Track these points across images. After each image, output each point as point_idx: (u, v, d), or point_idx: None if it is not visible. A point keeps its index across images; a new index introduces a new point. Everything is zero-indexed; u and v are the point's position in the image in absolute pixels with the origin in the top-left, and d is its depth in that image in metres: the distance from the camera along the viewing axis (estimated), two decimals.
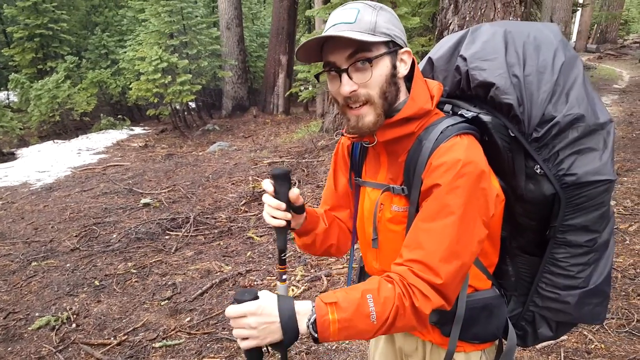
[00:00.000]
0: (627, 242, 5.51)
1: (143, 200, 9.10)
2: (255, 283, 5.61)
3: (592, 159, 1.60)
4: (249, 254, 6.45)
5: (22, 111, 18.64)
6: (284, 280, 1.70)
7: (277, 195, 1.70)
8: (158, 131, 18.50)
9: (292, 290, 5.28)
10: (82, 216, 8.69)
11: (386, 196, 1.75)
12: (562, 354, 3.89)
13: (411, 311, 1.46)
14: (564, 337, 4.04)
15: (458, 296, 1.64)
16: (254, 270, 5.94)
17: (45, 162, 13.87)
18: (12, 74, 18.46)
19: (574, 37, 33.86)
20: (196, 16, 18.25)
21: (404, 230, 1.68)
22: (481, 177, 1.52)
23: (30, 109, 17.19)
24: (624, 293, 4.59)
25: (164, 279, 5.97)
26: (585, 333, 4.10)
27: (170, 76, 16.08)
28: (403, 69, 1.67)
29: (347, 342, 4.39)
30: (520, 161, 1.65)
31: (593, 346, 3.94)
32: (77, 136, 17.57)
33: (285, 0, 19.83)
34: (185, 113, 18.91)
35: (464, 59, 1.76)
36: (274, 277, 5.66)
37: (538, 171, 1.63)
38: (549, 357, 3.92)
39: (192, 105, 19.91)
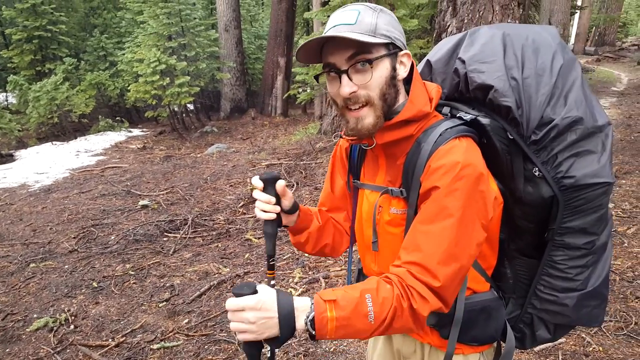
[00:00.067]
0: (625, 244, 5.52)
1: (141, 202, 9.09)
2: None
3: (591, 161, 1.61)
4: (247, 255, 6.45)
5: (20, 113, 18.63)
6: (273, 286, 1.70)
7: (266, 190, 1.74)
8: (156, 133, 18.49)
9: (290, 292, 5.28)
10: (81, 218, 8.68)
11: (385, 199, 1.75)
12: (560, 357, 3.89)
13: (409, 313, 1.46)
14: (562, 340, 4.04)
15: (456, 298, 1.65)
16: (252, 272, 5.94)
17: (43, 164, 13.86)
18: (11, 75, 18.43)
19: (572, 40, 33.94)
20: (194, 18, 18.25)
21: (403, 232, 1.68)
22: (480, 180, 1.52)
23: (29, 110, 17.17)
24: (622, 296, 4.59)
25: (162, 280, 5.96)
26: (584, 336, 4.10)
27: (168, 78, 16.07)
28: (402, 72, 1.67)
29: (345, 344, 4.39)
30: (519, 164, 1.65)
31: (591, 349, 3.94)
32: (76, 138, 17.55)
33: (284, 3, 19.84)
34: (184, 115, 18.90)
35: (463, 62, 1.76)
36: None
37: (536, 174, 1.63)
38: (547, 359, 3.92)
39: (191, 107, 19.90)
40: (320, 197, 2.18)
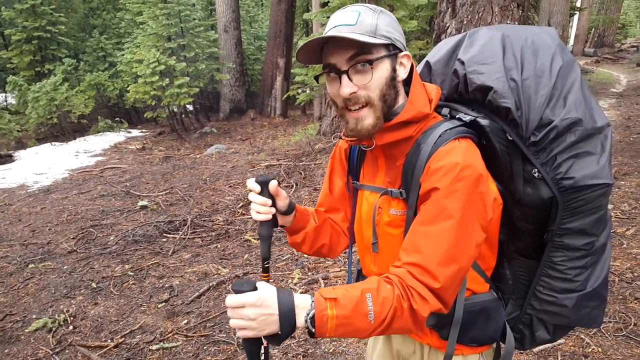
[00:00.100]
0: (625, 246, 5.52)
1: (140, 203, 9.09)
2: None
3: (590, 162, 1.61)
4: (246, 256, 6.45)
5: (19, 113, 18.65)
6: None
7: (262, 193, 1.74)
8: (155, 134, 18.49)
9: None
10: (80, 218, 8.68)
11: (384, 200, 1.75)
12: (559, 358, 3.89)
13: (409, 313, 1.46)
14: (561, 341, 4.04)
15: (456, 299, 1.64)
16: (251, 273, 5.94)
17: (42, 164, 13.85)
18: (10, 76, 18.48)
19: (571, 41, 33.94)
20: (194, 19, 18.27)
21: (402, 233, 1.68)
22: (479, 181, 1.52)
23: (28, 111, 17.17)
24: (621, 297, 4.59)
25: (161, 281, 5.96)
26: (583, 337, 4.10)
27: (167, 79, 16.08)
28: (402, 73, 1.67)
29: (344, 345, 4.39)
30: (518, 165, 1.65)
31: (590, 350, 3.94)
32: (75, 138, 17.56)
33: (283, 4, 19.85)
34: (183, 116, 18.91)
35: (462, 63, 1.76)
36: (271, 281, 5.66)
37: (536, 175, 1.63)
38: None
39: (190, 107, 19.90)
40: (319, 198, 2.18)
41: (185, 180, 10.86)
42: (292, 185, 9.24)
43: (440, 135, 1.59)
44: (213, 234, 7.40)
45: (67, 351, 4.66)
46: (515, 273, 1.84)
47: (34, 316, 5.30)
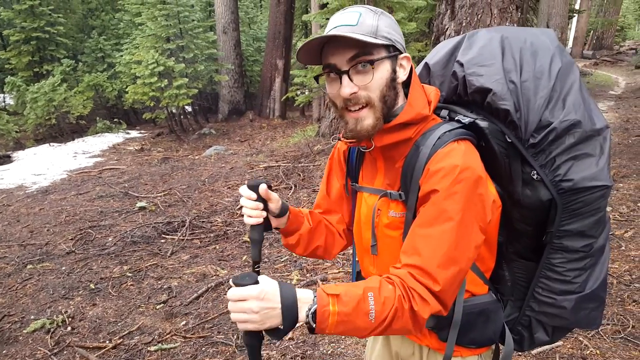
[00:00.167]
0: (623, 248, 5.53)
1: (139, 204, 9.08)
2: None
3: (589, 164, 1.61)
4: (244, 257, 6.44)
5: (18, 114, 18.63)
6: None
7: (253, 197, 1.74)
8: (154, 135, 18.48)
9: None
10: (78, 219, 8.67)
11: (383, 202, 1.75)
12: None
13: (409, 314, 1.46)
14: (560, 343, 4.04)
15: (455, 301, 1.65)
16: None
17: (41, 165, 13.84)
18: (9, 76, 18.47)
19: (570, 43, 33.97)
20: (193, 20, 18.28)
21: (401, 235, 1.69)
22: (478, 183, 1.53)
23: (27, 112, 17.17)
24: (619, 299, 4.60)
25: (159, 282, 5.96)
26: (581, 339, 4.10)
27: (166, 80, 16.09)
28: (402, 74, 1.67)
29: (342, 346, 4.39)
30: (517, 167, 1.65)
31: (588, 352, 3.94)
32: (73, 139, 17.53)
33: (282, 5, 19.86)
34: (182, 117, 18.91)
35: (461, 65, 1.77)
36: None
37: (535, 177, 1.63)
38: None
39: (189, 109, 19.92)
40: (316, 199, 2.18)
41: (183, 182, 10.85)
42: (291, 187, 9.24)
43: (439, 137, 1.59)
44: (211, 235, 7.39)
45: (65, 352, 4.65)
46: (514, 275, 1.84)
47: (32, 317, 5.29)
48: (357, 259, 2.06)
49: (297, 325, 1.41)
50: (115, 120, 19.77)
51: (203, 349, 4.54)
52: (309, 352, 4.33)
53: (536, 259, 1.77)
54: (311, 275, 5.70)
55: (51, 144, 16.89)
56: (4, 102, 21.82)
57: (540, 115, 1.61)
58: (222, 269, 6.18)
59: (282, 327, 1.41)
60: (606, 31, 36.11)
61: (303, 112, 21.69)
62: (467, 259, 1.54)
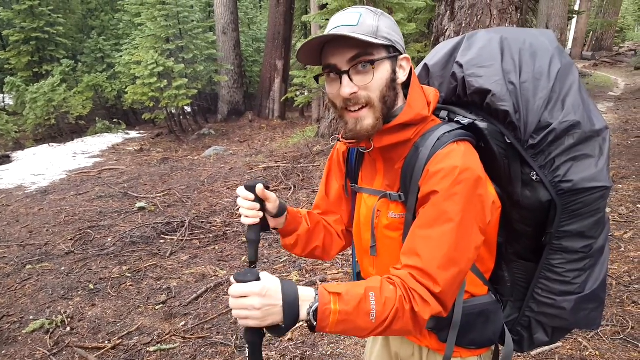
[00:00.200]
0: (622, 249, 5.53)
1: (138, 204, 9.08)
2: None
3: (588, 165, 1.61)
4: (244, 258, 6.44)
5: (17, 114, 18.64)
6: None
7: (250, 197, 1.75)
8: (153, 135, 18.49)
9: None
10: (77, 219, 8.66)
11: (383, 203, 1.75)
12: None
13: (410, 315, 1.46)
14: (559, 344, 4.04)
15: (455, 302, 1.64)
16: None
17: (40, 166, 13.84)
18: (8, 77, 18.49)
19: (569, 45, 33.98)
20: (192, 21, 18.29)
21: (401, 237, 1.69)
22: (478, 184, 1.53)
23: (26, 112, 17.17)
24: (618, 300, 4.60)
25: (158, 283, 5.96)
26: (580, 340, 4.10)
27: (166, 80, 16.09)
28: (402, 75, 1.68)
29: (342, 347, 4.38)
30: (517, 168, 1.65)
31: (588, 353, 3.94)
32: (73, 140, 17.54)
33: (282, 6, 19.87)
34: (181, 117, 18.91)
35: (460, 66, 1.77)
36: None
37: (534, 178, 1.63)
38: None
39: (188, 109, 19.91)
40: (315, 200, 2.18)
41: (183, 182, 10.85)
42: (290, 187, 9.24)
43: (438, 139, 1.59)
44: (211, 235, 7.39)
45: (64, 352, 4.65)
46: (514, 275, 1.84)
47: (31, 317, 5.29)
48: (357, 260, 2.06)
49: (298, 323, 1.40)
50: (114, 120, 19.78)
51: (202, 349, 4.54)
52: (308, 353, 4.33)
53: (536, 260, 1.77)
54: (310, 276, 5.70)
55: (50, 144, 16.89)
56: (4, 102, 21.83)
57: (540, 116, 1.61)
58: (222, 269, 6.18)
59: (283, 325, 1.40)
60: (606, 32, 36.11)
61: (302, 113, 21.70)
62: (467, 260, 1.54)
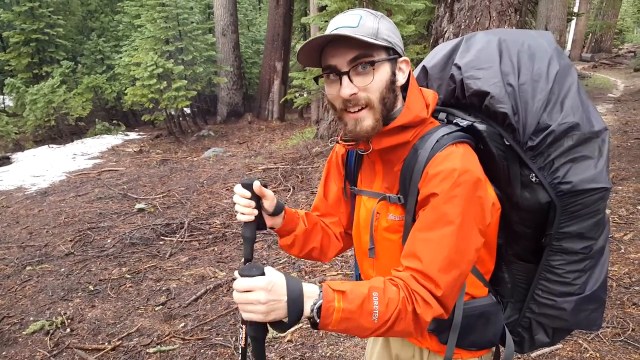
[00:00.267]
0: (622, 250, 5.52)
1: (137, 206, 9.08)
2: None
3: (587, 167, 1.61)
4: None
5: (17, 115, 18.66)
6: None
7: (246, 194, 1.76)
8: (153, 137, 18.49)
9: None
10: (77, 221, 8.66)
11: (382, 205, 1.75)
12: None
13: (412, 317, 1.46)
14: (559, 346, 4.04)
15: (455, 304, 1.65)
16: None
17: (40, 167, 13.84)
18: (8, 78, 18.50)
19: (568, 46, 34.01)
20: (192, 22, 18.32)
21: (400, 239, 1.69)
22: (477, 186, 1.53)
23: (26, 113, 17.18)
24: (619, 302, 4.59)
25: (158, 284, 5.95)
26: (580, 342, 4.10)
27: (165, 82, 16.11)
28: (401, 78, 1.68)
29: (341, 349, 4.38)
30: (516, 169, 1.65)
31: (588, 355, 3.94)
32: (72, 141, 17.55)
33: (281, 8, 19.88)
34: (180, 119, 18.91)
35: (459, 68, 1.77)
36: None
37: (533, 179, 1.63)
38: None
39: (187, 111, 19.92)
40: (314, 202, 2.18)
41: (182, 183, 10.85)
42: (289, 189, 9.24)
43: (437, 141, 1.59)
44: (210, 237, 7.39)
45: (64, 354, 4.65)
46: (514, 277, 1.84)
47: (31, 318, 5.28)
48: (350, 263, 2.06)
49: (301, 319, 1.40)
50: (114, 122, 19.81)
51: (202, 350, 4.54)
52: (307, 354, 4.33)
53: (536, 261, 1.77)
54: (309, 278, 5.70)
55: (50, 145, 16.89)
56: (4, 103, 21.84)
57: (538, 118, 1.61)
58: (221, 270, 6.18)
59: (286, 321, 1.40)
60: (605, 34, 36.11)
61: (301, 114, 21.71)
62: (467, 262, 1.54)
